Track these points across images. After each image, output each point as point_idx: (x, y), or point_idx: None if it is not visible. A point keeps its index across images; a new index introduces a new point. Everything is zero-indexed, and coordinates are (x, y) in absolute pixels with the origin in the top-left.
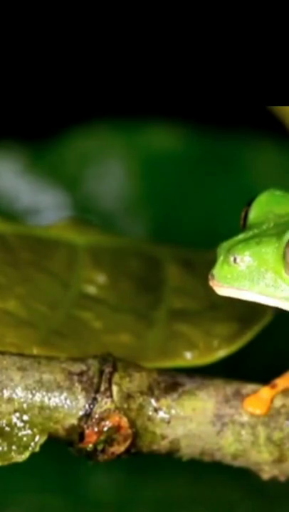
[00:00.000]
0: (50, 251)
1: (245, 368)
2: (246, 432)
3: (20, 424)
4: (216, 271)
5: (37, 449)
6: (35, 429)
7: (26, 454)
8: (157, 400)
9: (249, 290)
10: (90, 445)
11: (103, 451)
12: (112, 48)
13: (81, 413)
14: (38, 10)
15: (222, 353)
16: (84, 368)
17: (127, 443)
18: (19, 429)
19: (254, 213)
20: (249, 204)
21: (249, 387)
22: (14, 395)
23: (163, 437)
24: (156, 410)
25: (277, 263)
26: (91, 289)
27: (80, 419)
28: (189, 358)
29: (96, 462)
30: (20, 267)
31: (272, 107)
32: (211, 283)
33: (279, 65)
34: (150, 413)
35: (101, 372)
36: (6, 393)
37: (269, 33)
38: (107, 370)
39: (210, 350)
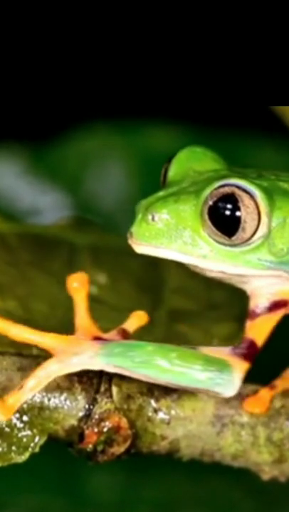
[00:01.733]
0: (51, 251)
1: None
2: (246, 432)
3: (20, 424)
4: (134, 229)
5: (37, 449)
6: (34, 430)
7: (26, 455)
8: (157, 400)
9: (167, 248)
10: (90, 446)
11: (103, 451)
12: (112, 49)
13: (81, 414)
14: (39, 11)
15: None
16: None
17: (127, 444)
18: (19, 429)
19: (174, 170)
20: (169, 161)
21: (249, 388)
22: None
23: (163, 438)
24: (156, 411)
25: (194, 221)
26: (91, 289)
27: (80, 419)
28: None
29: (96, 463)
30: (21, 266)
31: (272, 107)
32: (129, 241)
33: (279, 64)
34: (150, 414)
35: (101, 373)
36: (6, 393)
37: (269, 32)
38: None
39: None
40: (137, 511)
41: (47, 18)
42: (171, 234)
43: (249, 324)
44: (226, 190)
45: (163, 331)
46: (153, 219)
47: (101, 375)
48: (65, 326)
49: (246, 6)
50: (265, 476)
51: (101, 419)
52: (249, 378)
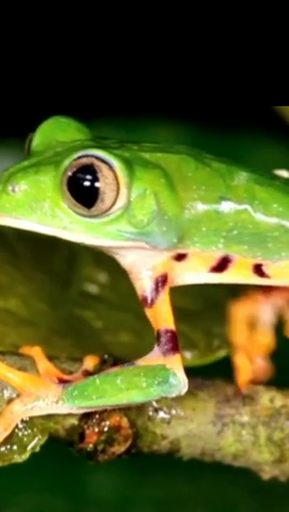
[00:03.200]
0: (51, 250)
1: None
2: (247, 432)
3: (20, 424)
4: None
5: (37, 449)
6: (35, 430)
7: (27, 455)
8: (157, 400)
9: (27, 219)
10: (91, 445)
11: (103, 451)
12: (112, 48)
13: (81, 413)
14: (39, 10)
15: (222, 353)
16: (84, 367)
17: (128, 443)
18: (20, 429)
19: (38, 140)
20: (34, 131)
21: (249, 387)
22: (14, 395)
23: (163, 437)
24: (156, 410)
25: (54, 192)
26: (92, 288)
27: (81, 419)
28: (189, 357)
29: (96, 462)
30: (21, 266)
31: (274, 106)
32: None
33: (281, 64)
34: (150, 413)
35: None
36: (7, 393)
37: (270, 32)
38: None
39: (210, 350)
40: (137, 511)
41: (47, 17)
42: (31, 205)
43: (150, 314)
44: (85, 160)
45: None
46: (13, 190)
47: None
48: (66, 325)
49: (247, 5)
50: (266, 476)
51: (101, 419)
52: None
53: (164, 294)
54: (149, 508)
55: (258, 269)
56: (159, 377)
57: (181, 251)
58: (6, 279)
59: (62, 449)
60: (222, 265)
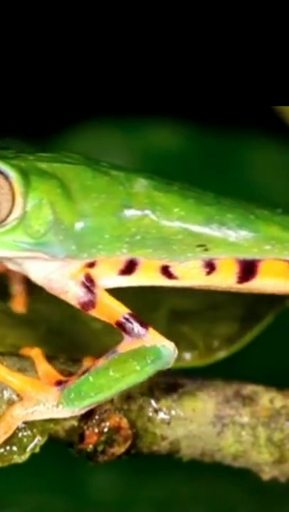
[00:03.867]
0: None
1: (245, 368)
2: (246, 432)
3: (20, 425)
4: None
5: (37, 449)
6: (35, 430)
7: (26, 455)
8: (157, 400)
9: None
10: (90, 446)
11: (103, 452)
12: (113, 47)
13: (81, 414)
14: (41, 11)
15: (222, 353)
16: (84, 368)
17: (127, 444)
18: (19, 430)
19: None
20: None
21: (249, 388)
22: (14, 396)
23: (163, 438)
24: (156, 411)
25: None
26: None
27: (80, 420)
28: (189, 358)
29: (96, 463)
30: None
31: (274, 106)
32: None
33: (280, 64)
34: (150, 414)
35: None
36: (6, 394)
37: (270, 32)
38: None
39: (210, 351)
40: (137, 511)
41: (48, 17)
42: None
43: (99, 313)
44: None
45: (163, 331)
46: None
47: None
48: (65, 326)
49: (246, 5)
50: (266, 476)
51: (101, 420)
52: (249, 378)
53: (99, 290)
54: (149, 508)
55: (166, 271)
56: (150, 357)
57: (88, 260)
58: (5, 280)
59: (63, 450)
60: (130, 268)
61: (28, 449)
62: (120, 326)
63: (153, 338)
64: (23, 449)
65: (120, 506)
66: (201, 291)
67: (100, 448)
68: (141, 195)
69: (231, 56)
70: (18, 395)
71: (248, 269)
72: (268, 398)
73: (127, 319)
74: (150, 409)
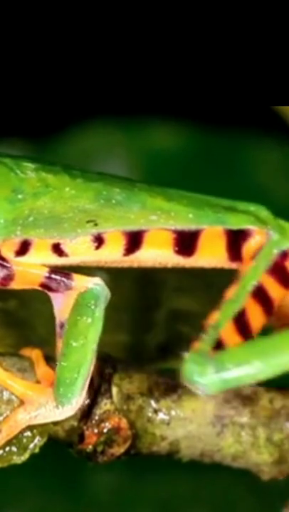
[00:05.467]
0: None
1: None
2: (246, 433)
3: None
4: None
5: (37, 450)
6: (34, 431)
7: (26, 456)
8: (157, 401)
9: None
10: (90, 446)
11: (103, 452)
12: (114, 47)
13: (81, 414)
14: (41, 12)
15: None
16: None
17: (127, 444)
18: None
19: None
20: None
21: (249, 388)
22: (14, 397)
23: (163, 438)
24: (156, 411)
25: None
26: None
27: (80, 420)
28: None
29: (96, 463)
30: None
31: (274, 106)
32: None
33: (281, 64)
34: (150, 414)
35: (101, 374)
36: (6, 395)
37: (270, 33)
38: (107, 371)
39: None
40: (137, 511)
41: (48, 17)
42: None
43: (19, 284)
44: None
45: (163, 331)
46: None
47: (101, 375)
48: None
49: (246, 6)
50: (265, 477)
51: (101, 420)
52: None
53: (13, 263)
54: (149, 508)
55: (57, 248)
56: (91, 301)
57: None
58: None
59: (63, 450)
60: (24, 249)
61: (28, 450)
62: (45, 286)
63: (81, 281)
64: (22, 449)
65: (120, 506)
66: (201, 293)
67: (100, 448)
68: (33, 180)
69: (231, 57)
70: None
71: (134, 241)
72: (267, 398)
73: (49, 277)
74: (150, 410)
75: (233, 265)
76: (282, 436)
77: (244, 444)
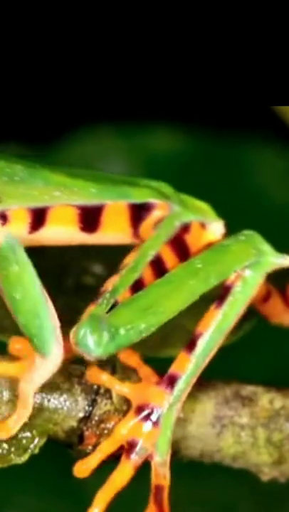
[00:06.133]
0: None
1: (244, 369)
2: (246, 433)
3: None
4: None
5: (36, 451)
6: (34, 431)
7: (26, 456)
8: None
9: None
10: (90, 447)
11: None
12: (115, 52)
13: (81, 415)
14: (39, 15)
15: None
16: (84, 369)
17: None
18: (19, 431)
19: None
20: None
21: (248, 389)
22: (14, 397)
23: None
24: None
25: None
26: (88, 280)
27: (80, 421)
28: None
29: None
30: None
31: (273, 108)
32: None
33: (280, 66)
34: None
35: None
36: (6, 395)
37: (270, 33)
38: (107, 371)
39: None
40: (137, 511)
41: (49, 21)
42: None
43: None
44: None
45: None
46: None
47: None
48: (62, 316)
49: (246, 6)
50: (265, 477)
51: (101, 421)
52: (249, 378)
53: None
54: None
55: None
56: (10, 253)
57: None
58: None
59: (62, 450)
60: None
61: (28, 450)
62: None
63: None
64: (22, 450)
65: (120, 506)
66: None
67: None
68: None
69: (231, 58)
70: (17, 394)
71: (38, 218)
72: (267, 399)
73: None
74: None
75: (138, 241)
76: (282, 436)
77: (244, 444)
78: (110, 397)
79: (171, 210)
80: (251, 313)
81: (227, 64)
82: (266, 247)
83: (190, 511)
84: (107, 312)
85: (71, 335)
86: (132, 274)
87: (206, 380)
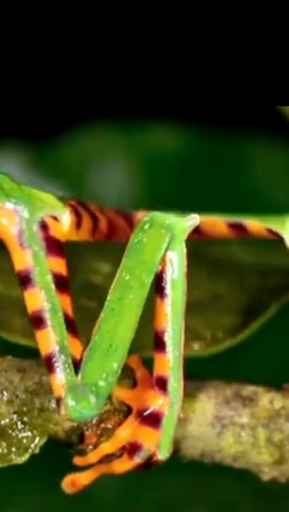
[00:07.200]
0: None
1: (245, 369)
2: (246, 433)
3: (20, 425)
4: None
5: (37, 450)
6: (35, 431)
7: (26, 456)
8: None
9: None
10: (90, 446)
11: None
12: (114, 49)
13: None
14: (41, 12)
15: (227, 343)
16: None
17: None
18: (19, 430)
19: None
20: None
21: (249, 389)
22: (14, 397)
23: None
24: None
25: None
26: (96, 279)
27: None
28: (197, 348)
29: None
30: None
31: (277, 108)
32: None
33: (281, 64)
34: None
35: None
36: (6, 395)
37: (270, 33)
38: None
39: (215, 342)
40: (137, 511)
41: (48, 18)
42: None
43: None
44: None
45: None
46: None
47: None
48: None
49: (246, 6)
50: (265, 477)
51: (101, 420)
52: (249, 379)
53: None
54: (149, 508)
55: None
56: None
57: None
58: (11, 268)
59: (63, 450)
60: None
61: (28, 450)
62: None
63: None
64: (22, 449)
65: (120, 506)
66: (206, 284)
67: None
68: None
69: (231, 57)
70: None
71: None
72: (267, 399)
73: None
74: None
75: None
76: (283, 436)
77: (244, 444)
78: (110, 397)
79: (17, 213)
80: (257, 311)
81: (227, 62)
82: (170, 220)
83: (190, 511)
84: (77, 374)
85: (61, 413)
86: (56, 316)
87: (206, 380)
